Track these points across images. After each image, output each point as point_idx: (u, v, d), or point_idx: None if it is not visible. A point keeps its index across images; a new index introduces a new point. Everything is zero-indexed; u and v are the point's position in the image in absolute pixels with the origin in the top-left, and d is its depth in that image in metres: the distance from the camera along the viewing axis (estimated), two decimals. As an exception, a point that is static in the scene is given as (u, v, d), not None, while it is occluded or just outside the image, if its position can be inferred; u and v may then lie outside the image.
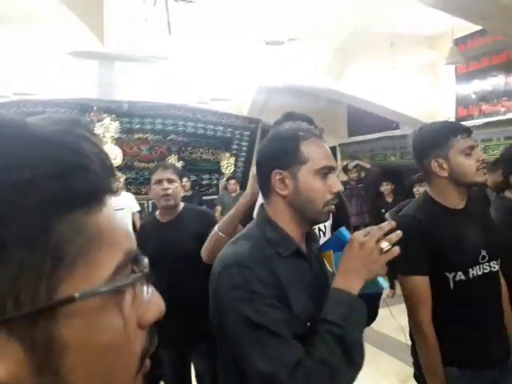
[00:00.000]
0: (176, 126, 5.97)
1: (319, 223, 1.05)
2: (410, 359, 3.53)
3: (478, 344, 1.36)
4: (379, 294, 1.06)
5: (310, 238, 1.07)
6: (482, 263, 1.38)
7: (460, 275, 1.35)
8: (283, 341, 0.84)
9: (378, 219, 4.35)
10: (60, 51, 4.31)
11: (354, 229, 6.11)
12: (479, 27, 3.39)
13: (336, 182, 0.98)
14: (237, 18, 3.74)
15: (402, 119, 5.49)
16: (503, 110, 4.60)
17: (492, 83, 4.68)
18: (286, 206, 0.97)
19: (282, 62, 4.55)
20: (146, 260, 0.34)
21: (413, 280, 1.38)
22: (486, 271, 1.38)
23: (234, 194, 5.28)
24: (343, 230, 1.01)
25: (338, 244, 1.00)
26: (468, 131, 1.39)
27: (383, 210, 4.75)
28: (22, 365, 0.27)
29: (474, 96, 4.93)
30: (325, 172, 0.96)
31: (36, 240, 0.27)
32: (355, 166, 5.73)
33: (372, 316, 1.06)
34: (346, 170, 5.84)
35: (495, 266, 1.41)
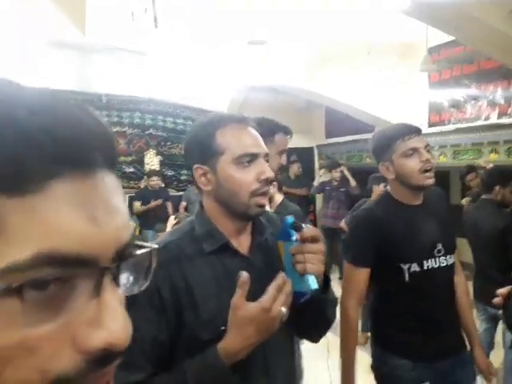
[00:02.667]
0: (155, 121, 5.97)
1: (251, 217, 0.94)
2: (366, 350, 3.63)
3: (430, 336, 1.43)
4: (311, 293, 0.90)
5: (257, 230, 0.99)
6: (438, 256, 1.43)
7: (415, 267, 1.40)
8: (129, 361, 0.75)
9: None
10: (39, 41, 4.25)
11: (331, 231, 6.04)
12: (452, 37, 3.53)
13: (263, 169, 0.90)
14: (220, 16, 3.78)
15: (377, 122, 5.64)
16: (472, 117, 4.81)
17: (463, 91, 4.88)
18: (213, 200, 0.93)
19: (263, 62, 4.61)
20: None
21: (353, 269, 1.46)
22: (442, 264, 1.44)
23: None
24: (290, 218, 0.91)
25: (284, 233, 0.91)
26: (415, 132, 1.42)
27: None
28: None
29: (445, 103, 5.12)
30: (247, 160, 0.89)
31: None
32: (340, 171, 5.68)
33: (318, 314, 0.99)
34: (331, 168, 5.85)
35: (451, 259, 1.47)
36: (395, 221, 1.44)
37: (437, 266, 1.43)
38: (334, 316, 1.05)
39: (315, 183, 6.39)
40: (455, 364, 1.47)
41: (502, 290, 0.91)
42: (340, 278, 4.93)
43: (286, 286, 0.81)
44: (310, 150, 7.23)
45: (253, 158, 0.90)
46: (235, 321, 0.79)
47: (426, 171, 1.39)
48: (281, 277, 0.81)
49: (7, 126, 0.24)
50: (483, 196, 2.84)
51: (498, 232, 2.53)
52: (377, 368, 1.54)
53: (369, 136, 6.12)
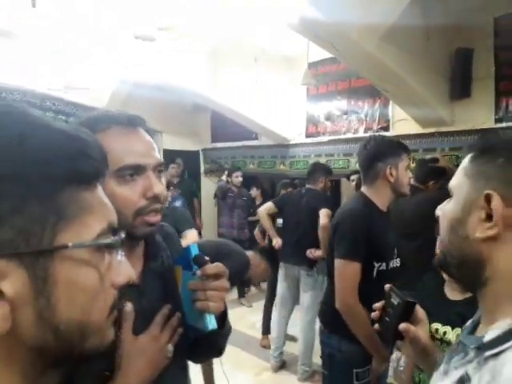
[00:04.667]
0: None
1: (139, 238, 0.81)
2: (263, 354, 3.76)
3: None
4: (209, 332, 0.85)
5: (150, 252, 0.86)
6: (394, 258, 1.66)
7: (383, 266, 1.59)
8: None
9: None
10: None
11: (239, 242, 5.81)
12: (330, 55, 3.83)
13: (151, 183, 0.76)
14: (106, 4, 3.52)
15: (261, 130, 5.86)
16: (343, 129, 5.30)
17: (336, 106, 5.35)
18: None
19: (151, 58, 4.42)
20: (122, 234, 0.46)
21: (349, 264, 1.56)
22: (395, 265, 1.65)
23: None
24: (193, 246, 0.82)
25: (185, 260, 0.82)
26: (410, 152, 1.72)
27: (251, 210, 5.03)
28: (25, 288, 0.38)
29: (321, 116, 5.56)
30: (129, 173, 0.75)
31: (47, 200, 0.38)
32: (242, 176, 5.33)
33: (213, 350, 0.99)
34: (230, 173, 5.40)
35: (399, 262, 1.69)
36: (376, 223, 1.61)
37: (394, 266, 1.65)
38: (225, 344, 1.00)
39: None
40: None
41: (377, 304, 0.94)
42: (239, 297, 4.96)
43: (173, 319, 0.80)
44: (196, 153, 7.17)
45: (137, 170, 0.75)
46: (125, 357, 0.73)
47: (408, 185, 1.69)
48: (167, 308, 0.80)
49: (67, 144, 0.41)
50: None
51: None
52: (329, 355, 1.67)
53: (252, 143, 6.30)
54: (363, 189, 1.73)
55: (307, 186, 3.63)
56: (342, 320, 1.59)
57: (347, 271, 1.57)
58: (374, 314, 0.93)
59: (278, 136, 5.77)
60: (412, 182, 2.28)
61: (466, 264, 0.62)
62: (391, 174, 1.63)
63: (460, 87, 4.08)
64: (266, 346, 3.68)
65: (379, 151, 1.67)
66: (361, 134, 5.08)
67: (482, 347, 0.57)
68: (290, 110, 5.67)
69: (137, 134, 0.78)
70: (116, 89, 5.11)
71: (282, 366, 3.48)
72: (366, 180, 1.71)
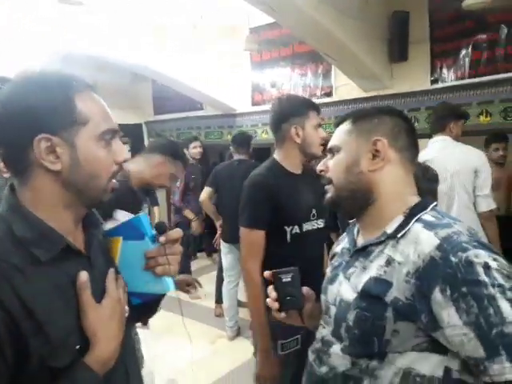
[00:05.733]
0: None
1: (100, 204, 0.81)
2: (216, 322, 3.78)
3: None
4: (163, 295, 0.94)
5: (90, 223, 0.84)
6: (313, 220, 1.63)
7: (296, 229, 1.57)
8: None
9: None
10: None
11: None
12: (272, 19, 3.75)
13: (121, 149, 0.80)
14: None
15: (206, 100, 5.72)
16: (289, 97, 5.29)
17: (280, 73, 5.30)
18: (57, 185, 0.73)
19: (81, 27, 4.12)
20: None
21: (251, 233, 1.54)
22: (314, 227, 1.63)
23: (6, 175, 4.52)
24: (144, 216, 0.84)
25: (131, 231, 0.84)
26: (319, 110, 1.62)
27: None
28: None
29: (266, 83, 5.50)
30: (109, 137, 0.77)
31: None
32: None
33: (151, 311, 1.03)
34: (185, 144, 4.56)
35: (322, 223, 1.66)
36: (283, 187, 1.56)
37: (311, 228, 1.62)
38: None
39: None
40: None
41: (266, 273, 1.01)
42: None
43: (120, 280, 0.82)
44: (139, 126, 6.90)
45: (114, 135, 0.79)
46: (95, 324, 0.73)
47: (321, 145, 1.60)
48: (112, 271, 0.81)
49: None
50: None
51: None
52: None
53: (198, 114, 6.10)
54: (275, 152, 1.67)
55: (238, 156, 3.54)
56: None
57: (250, 239, 1.55)
58: (272, 305, 0.99)
59: (224, 105, 5.66)
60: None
61: (359, 192, 0.88)
62: (297, 135, 1.57)
63: (398, 50, 4.17)
64: (220, 315, 3.73)
65: (283, 112, 1.60)
66: (306, 100, 5.10)
67: (390, 236, 0.82)
68: (234, 78, 5.56)
69: (101, 100, 0.79)
70: (45, 63, 4.74)
71: (238, 333, 3.55)
72: (277, 143, 1.65)
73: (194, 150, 4.52)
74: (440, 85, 4.11)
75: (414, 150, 0.91)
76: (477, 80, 3.90)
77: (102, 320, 0.73)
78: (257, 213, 1.54)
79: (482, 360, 0.66)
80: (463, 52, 3.98)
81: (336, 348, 0.86)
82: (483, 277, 0.67)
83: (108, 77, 5.46)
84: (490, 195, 2.16)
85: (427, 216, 0.81)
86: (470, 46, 3.93)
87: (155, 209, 4.28)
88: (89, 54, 4.68)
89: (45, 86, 0.71)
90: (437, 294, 0.70)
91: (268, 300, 0.99)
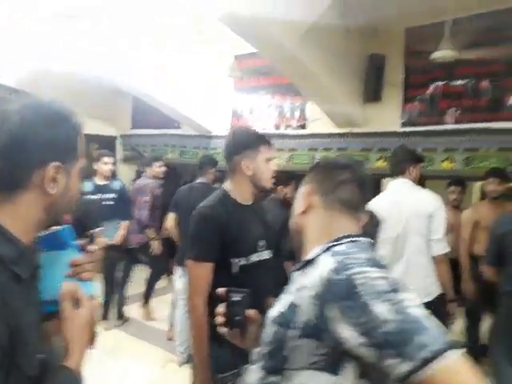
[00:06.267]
0: None
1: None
2: (168, 346, 3.70)
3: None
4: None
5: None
6: (260, 251, 1.63)
7: (243, 260, 1.56)
8: None
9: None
10: None
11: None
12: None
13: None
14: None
15: (183, 120, 5.75)
16: (265, 124, 5.38)
17: (260, 100, 5.41)
18: (41, 207, 0.80)
19: (63, 40, 4.11)
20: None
21: (198, 266, 1.52)
22: (261, 258, 1.63)
23: None
24: (68, 228, 0.91)
25: (54, 242, 0.89)
26: (270, 144, 1.66)
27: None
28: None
29: (245, 109, 5.59)
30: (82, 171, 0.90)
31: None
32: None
33: None
34: (148, 163, 4.53)
35: (269, 254, 1.68)
36: (232, 219, 1.56)
37: (258, 259, 1.62)
38: None
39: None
40: None
41: (220, 309, 1.03)
42: None
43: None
44: (112, 139, 6.83)
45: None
46: (73, 331, 0.82)
47: (272, 178, 1.67)
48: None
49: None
50: (272, 195, 3.20)
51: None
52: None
53: (174, 132, 6.09)
54: (225, 183, 1.69)
55: (199, 179, 3.53)
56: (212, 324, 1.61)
57: (197, 273, 1.54)
58: (219, 320, 1.01)
59: (200, 126, 5.70)
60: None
61: (294, 232, 1.02)
62: (248, 168, 1.60)
63: (372, 91, 4.34)
64: (172, 339, 3.64)
65: (236, 144, 1.64)
66: (282, 130, 5.20)
67: (304, 264, 0.91)
68: (215, 101, 5.63)
69: None
70: (25, 72, 4.68)
71: (189, 359, 3.43)
72: (228, 174, 1.68)
73: (158, 169, 4.46)
74: (409, 128, 4.28)
75: (357, 197, 0.98)
76: (443, 127, 4.08)
77: (79, 328, 0.82)
78: (204, 245, 1.53)
79: (386, 362, 0.69)
80: (433, 99, 4.18)
81: (256, 365, 0.91)
82: (360, 289, 0.72)
83: (88, 86, 5.44)
84: (443, 239, 2.23)
85: (340, 246, 0.87)
86: (440, 95, 4.13)
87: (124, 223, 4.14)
88: (69, 67, 4.66)
89: (62, 121, 0.81)
90: (331, 312, 0.75)
91: (216, 312, 1.03)
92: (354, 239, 0.89)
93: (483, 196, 3.62)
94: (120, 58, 4.65)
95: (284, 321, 0.85)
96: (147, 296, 4.24)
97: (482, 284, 2.78)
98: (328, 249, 0.87)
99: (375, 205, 2.28)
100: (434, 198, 2.26)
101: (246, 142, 1.61)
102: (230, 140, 1.65)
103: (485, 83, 3.89)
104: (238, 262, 1.55)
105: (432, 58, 3.67)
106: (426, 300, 2.16)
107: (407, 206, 2.23)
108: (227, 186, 1.66)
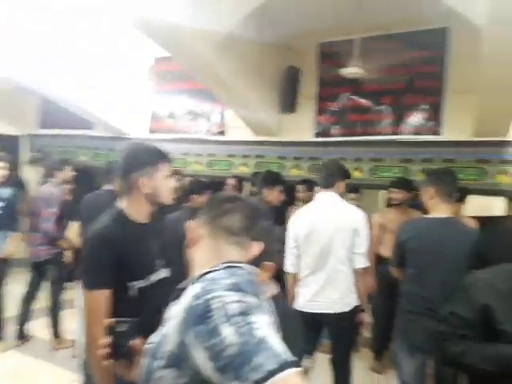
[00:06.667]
0: None
1: None
2: (69, 365, 3.49)
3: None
4: None
5: None
6: (158, 271, 1.58)
7: (141, 283, 1.49)
8: None
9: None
10: None
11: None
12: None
13: None
14: None
15: (96, 120, 5.48)
16: (186, 129, 5.32)
17: (180, 105, 5.34)
18: None
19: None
20: None
21: (94, 294, 1.42)
22: (160, 277, 1.58)
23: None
24: None
25: None
26: (170, 161, 1.61)
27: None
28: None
29: (165, 112, 5.48)
30: None
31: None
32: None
33: None
34: (57, 168, 3.98)
35: (167, 273, 1.62)
36: (127, 239, 1.47)
37: (157, 279, 1.57)
38: None
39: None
40: None
41: (103, 341, 1.02)
42: None
43: None
44: (14, 138, 6.27)
45: None
46: None
47: (185, 188, 1.65)
48: None
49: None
50: (185, 205, 3.16)
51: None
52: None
53: (87, 133, 5.76)
54: (122, 202, 1.60)
55: (105, 186, 3.32)
56: None
57: (93, 302, 1.44)
58: (103, 352, 1.00)
59: (114, 128, 5.47)
60: None
61: (189, 265, 1.03)
62: (145, 185, 1.53)
63: (288, 102, 4.50)
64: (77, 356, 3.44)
65: (133, 161, 1.56)
66: (202, 135, 5.18)
67: (176, 294, 0.91)
68: (134, 103, 5.44)
69: None
70: None
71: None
72: (123, 191, 1.60)
73: (69, 173, 4.11)
74: (322, 138, 4.50)
75: (243, 224, 1.00)
76: (352, 139, 4.35)
77: None
78: (100, 272, 1.43)
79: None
80: (343, 112, 4.43)
81: None
82: (214, 312, 0.73)
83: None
84: (365, 254, 2.34)
85: (212, 273, 0.87)
86: (349, 108, 4.40)
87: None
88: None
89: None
90: (189, 339, 0.75)
91: (99, 345, 0.99)
92: (231, 265, 0.90)
93: (388, 203, 3.90)
94: (27, 55, 4.30)
95: (153, 352, 0.85)
96: (54, 314, 3.94)
97: (385, 282, 3.00)
98: (202, 276, 0.88)
99: (303, 217, 2.36)
100: (359, 214, 2.36)
101: (144, 159, 1.53)
102: (126, 157, 1.56)
103: (387, 99, 4.21)
104: (136, 285, 1.49)
105: (341, 73, 3.90)
106: (346, 309, 2.27)
107: (334, 219, 2.31)
108: (121, 203, 1.57)
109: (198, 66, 3.48)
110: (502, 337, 1.18)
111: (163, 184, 1.56)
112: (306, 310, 2.33)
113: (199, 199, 3.19)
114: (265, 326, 0.73)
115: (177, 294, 0.91)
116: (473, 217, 3.05)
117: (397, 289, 2.31)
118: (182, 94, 5.32)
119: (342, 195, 2.47)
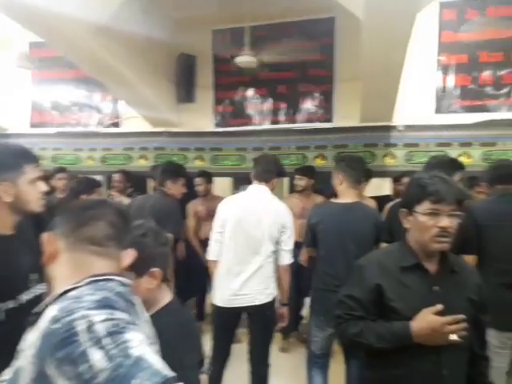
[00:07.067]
0: None
1: None
2: None
3: None
4: None
5: None
6: (32, 287, 1.36)
7: (11, 304, 1.28)
8: None
9: None
10: None
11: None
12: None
13: None
14: None
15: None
16: (73, 122, 4.88)
17: (65, 95, 4.87)
18: None
19: None
20: None
21: None
22: (36, 294, 1.36)
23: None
24: None
25: None
26: (37, 161, 1.38)
27: None
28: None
29: (48, 104, 4.96)
30: None
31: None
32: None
33: None
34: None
35: (44, 288, 1.40)
36: None
37: (32, 296, 1.35)
38: None
39: None
40: None
41: None
42: None
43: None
44: None
45: None
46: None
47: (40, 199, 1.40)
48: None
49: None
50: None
51: None
52: None
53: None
54: None
55: None
56: None
57: None
58: None
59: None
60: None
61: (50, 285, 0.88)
62: (7, 193, 1.32)
63: (184, 92, 4.34)
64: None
65: None
66: (92, 128, 4.79)
67: (35, 317, 0.77)
68: (9, 94, 4.83)
69: None
70: None
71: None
72: None
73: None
74: (222, 129, 4.44)
75: (108, 232, 0.88)
76: (251, 128, 4.36)
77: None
78: None
79: None
80: (240, 102, 4.41)
81: None
82: (80, 336, 0.66)
83: None
84: (291, 251, 2.36)
85: (75, 291, 0.77)
86: (246, 98, 4.39)
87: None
88: None
89: None
90: (49, 369, 0.67)
91: None
92: (97, 279, 0.80)
93: (292, 189, 3.99)
94: None
95: None
96: None
97: (292, 265, 3.10)
98: (62, 295, 0.77)
99: (233, 205, 2.32)
100: (287, 211, 2.37)
101: (4, 162, 1.31)
102: None
103: (282, 88, 4.29)
104: (4, 307, 1.27)
105: (234, 62, 3.85)
106: (266, 301, 2.29)
107: (264, 212, 2.29)
108: None
109: (75, 51, 3.16)
110: (394, 313, 1.24)
111: (30, 190, 1.34)
112: (228, 306, 2.28)
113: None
114: (140, 343, 0.68)
115: (33, 320, 0.78)
116: (371, 197, 3.28)
117: (302, 271, 2.37)
118: (67, 84, 4.85)
119: (272, 191, 2.47)
